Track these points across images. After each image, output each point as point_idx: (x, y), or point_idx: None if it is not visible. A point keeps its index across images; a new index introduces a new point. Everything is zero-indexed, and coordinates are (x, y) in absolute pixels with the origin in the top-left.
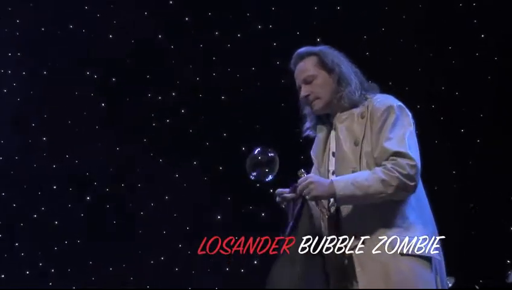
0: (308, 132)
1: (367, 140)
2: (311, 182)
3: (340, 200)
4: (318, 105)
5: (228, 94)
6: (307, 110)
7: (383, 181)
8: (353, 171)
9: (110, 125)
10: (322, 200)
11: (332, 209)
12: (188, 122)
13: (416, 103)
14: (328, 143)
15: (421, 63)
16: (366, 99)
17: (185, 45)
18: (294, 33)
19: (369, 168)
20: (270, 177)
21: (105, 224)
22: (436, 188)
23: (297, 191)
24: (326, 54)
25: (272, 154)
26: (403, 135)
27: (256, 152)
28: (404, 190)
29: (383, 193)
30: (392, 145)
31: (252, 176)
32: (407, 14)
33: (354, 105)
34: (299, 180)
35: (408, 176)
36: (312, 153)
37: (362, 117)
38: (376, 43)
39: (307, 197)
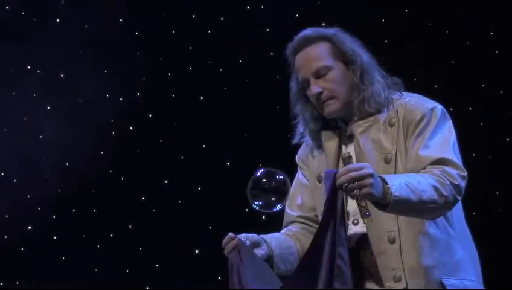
0: (306, 139)
1: (401, 155)
2: (370, 175)
3: (392, 205)
4: (334, 106)
5: (208, 93)
6: (301, 108)
7: (435, 188)
8: None
9: None
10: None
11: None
12: (156, 129)
13: (448, 104)
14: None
15: (454, 53)
16: (391, 101)
17: (148, 29)
18: (292, 16)
19: None
20: (279, 207)
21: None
22: (474, 213)
23: (341, 181)
24: (343, 39)
25: (281, 177)
26: (446, 140)
27: (259, 174)
28: (452, 204)
29: (435, 202)
30: (432, 152)
31: (256, 205)
32: None
33: (378, 109)
34: (349, 167)
35: (458, 188)
36: (305, 167)
37: (391, 125)
38: (396, 26)
39: (357, 193)
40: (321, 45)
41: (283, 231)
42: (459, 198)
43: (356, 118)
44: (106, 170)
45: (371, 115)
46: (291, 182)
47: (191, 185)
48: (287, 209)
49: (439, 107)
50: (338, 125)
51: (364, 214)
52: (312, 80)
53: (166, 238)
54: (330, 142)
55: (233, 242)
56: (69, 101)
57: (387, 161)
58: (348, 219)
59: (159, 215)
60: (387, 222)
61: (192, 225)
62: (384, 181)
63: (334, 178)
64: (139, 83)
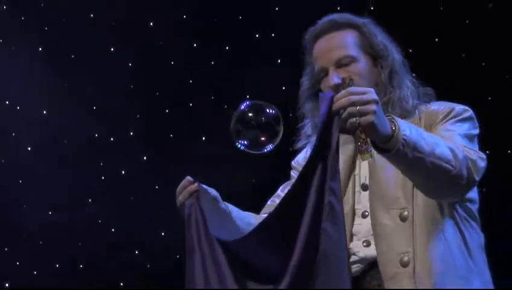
0: (311, 142)
1: None
2: (374, 101)
3: (398, 149)
4: None
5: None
6: (311, 108)
7: (451, 149)
8: (401, 217)
9: None
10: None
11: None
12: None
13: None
14: (356, 169)
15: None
16: (416, 110)
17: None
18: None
19: (426, 211)
20: (270, 147)
21: None
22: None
23: (339, 105)
24: (375, 31)
25: (273, 112)
26: (470, 135)
27: (245, 107)
28: (468, 180)
29: (449, 163)
30: (452, 135)
31: (240, 144)
32: None
33: (402, 116)
34: (350, 89)
35: (475, 164)
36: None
37: None
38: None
39: (356, 122)
40: (348, 32)
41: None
42: (477, 178)
43: None
44: None
45: None
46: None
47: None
48: (268, 202)
49: (471, 110)
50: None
51: (363, 149)
52: (331, 69)
53: None
54: (345, 148)
55: (192, 187)
56: None
57: None
58: (358, 239)
59: None
60: (401, 242)
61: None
62: (391, 120)
63: (331, 102)
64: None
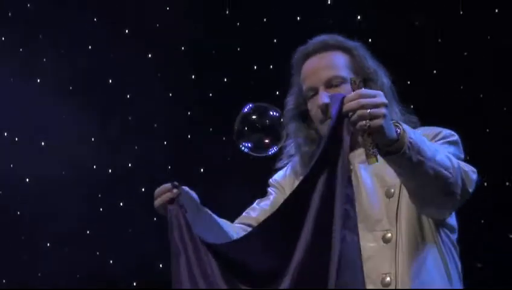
0: (292, 163)
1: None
2: (384, 104)
3: (403, 152)
4: None
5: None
6: (296, 128)
7: (449, 158)
8: (384, 239)
9: None
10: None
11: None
12: None
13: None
14: None
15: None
16: None
17: None
18: None
19: (410, 234)
20: (274, 150)
21: None
22: None
23: (349, 107)
24: (365, 54)
25: (276, 115)
26: (459, 157)
27: (248, 109)
28: (462, 191)
29: (448, 170)
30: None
31: (244, 146)
32: None
33: None
34: (360, 92)
35: (468, 176)
36: (283, 192)
37: None
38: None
39: (366, 125)
40: (339, 54)
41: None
42: (470, 190)
43: (357, 146)
44: None
45: None
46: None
47: None
48: (244, 213)
49: (457, 135)
50: None
51: (370, 153)
52: (321, 89)
53: None
54: None
55: (175, 192)
56: None
57: (389, 195)
58: None
59: None
60: (383, 263)
61: None
62: (395, 124)
63: (342, 103)
64: None
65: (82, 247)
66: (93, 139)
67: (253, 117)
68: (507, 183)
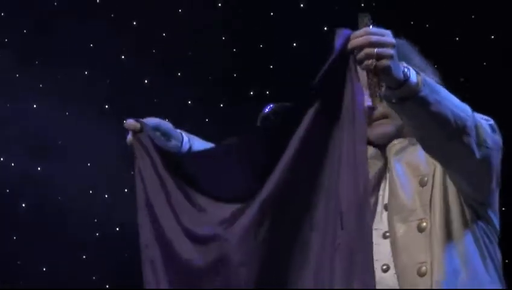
0: None
1: (440, 175)
2: (392, 44)
3: (421, 88)
4: (385, 128)
5: None
6: None
7: (467, 107)
8: (419, 228)
9: None
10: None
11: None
12: None
13: None
14: (381, 190)
15: None
16: None
17: None
18: None
19: (444, 221)
20: None
21: None
22: None
23: (356, 43)
24: (410, 52)
25: None
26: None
27: (269, 110)
28: (476, 136)
29: (465, 111)
30: None
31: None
32: None
33: None
34: (368, 29)
35: (482, 125)
36: None
37: None
38: None
39: (372, 64)
40: None
41: None
42: (489, 142)
43: (391, 139)
44: None
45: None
46: None
47: None
48: None
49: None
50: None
51: (374, 92)
52: (366, 92)
53: None
54: (372, 164)
55: (134, 126)
56: None
57: (422, 184)
58: (376, 261)
59: None
60: (419, 252)
61: None
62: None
63: (347, 40)
64: None
65: (79, 271)
66: (89, 164)
67: (273, 119)
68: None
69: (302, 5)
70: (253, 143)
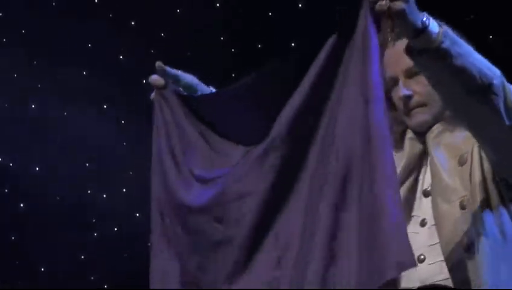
0: None
1: (477, 152)
2: None
3: (441, 39)
4: (423, 116)
5: None
6: None
7: (496, 68)
8: (461, 205)
9: None
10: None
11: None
12: None
13: None
14: (420, 174)
15: None
16: None
17: None
18: None
19: (484, 197)
20: None
21: None
22: None
23: None
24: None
25: None
26: None
27: None
28: (504, 97)
29: (490, 69)
30: None
31: None
32: None
33: None
34: None
35: (509, 86)
36: None
37: None
38: None
39: (385, 6)
40: None
41: None
42: None
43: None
44: None
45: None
46: None
47: None
48: None
49: None
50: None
51: (386, 36)
52: (402, 80)
53: None
54: (411, 146)
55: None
56: None
57: (461, 163)
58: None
59: None
60: (462, 227)
61: None
62: (424, 14)
63: None
64: None
65: (77, 273)
66: (87, 164)
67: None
68: None
69: (300, 6)
70: (267, 82)
